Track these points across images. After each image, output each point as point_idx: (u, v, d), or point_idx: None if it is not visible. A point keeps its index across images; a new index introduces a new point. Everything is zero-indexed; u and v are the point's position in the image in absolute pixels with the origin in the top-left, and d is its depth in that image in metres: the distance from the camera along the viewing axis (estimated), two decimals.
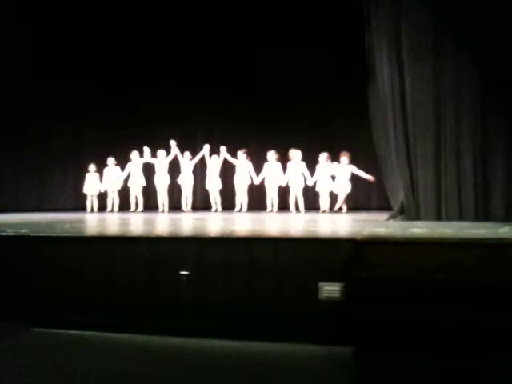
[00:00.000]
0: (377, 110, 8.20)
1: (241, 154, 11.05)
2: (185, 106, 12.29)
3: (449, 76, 7.09)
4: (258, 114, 11.77)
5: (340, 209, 10.38)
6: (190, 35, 11.68)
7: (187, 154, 11.44)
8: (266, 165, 10.90)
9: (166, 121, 12.41)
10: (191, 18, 11.55)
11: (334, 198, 10.50)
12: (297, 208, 10.64)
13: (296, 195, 10.65)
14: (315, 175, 10.50)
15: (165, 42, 11.84)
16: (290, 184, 10.70)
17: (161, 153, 11.44)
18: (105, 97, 12.03)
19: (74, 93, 11.72)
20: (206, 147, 11.33)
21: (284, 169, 10.79)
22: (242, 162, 11.05)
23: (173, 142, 11.32)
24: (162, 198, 11.55)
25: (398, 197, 7.59)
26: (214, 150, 11.41)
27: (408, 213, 7.28)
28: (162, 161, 11.42)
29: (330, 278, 4.83)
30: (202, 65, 11.85)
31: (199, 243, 5.35)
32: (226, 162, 11.34)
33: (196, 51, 11.79)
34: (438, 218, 7.08)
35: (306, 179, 10.54)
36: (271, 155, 10.84)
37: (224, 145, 11.40)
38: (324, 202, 10.50)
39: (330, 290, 4.83)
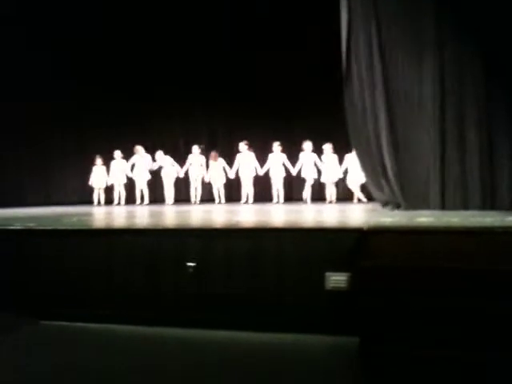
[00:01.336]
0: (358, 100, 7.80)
1: (243, 145, 11.05)
2: (189, 102, 12.33)
3: (450, 64, 7.04)
4: (260, 111, 11.72)
5: (359, 200, 10.39)
6: (194, 34, 11.66)
7: (195, 147, 11.47)
8: (270, 156, 10.90)
9: (171, 115, 12.45)
10: (194, 16, 11.53)
11: (339, 188, 10.56)
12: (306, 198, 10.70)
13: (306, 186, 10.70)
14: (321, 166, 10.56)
15: (172, 40, 11.84)
16: (303, 175, 10.73)
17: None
18: (111, 90, 12.03)
19: (79, 87, 11.74)
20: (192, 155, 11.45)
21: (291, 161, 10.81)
22: (245, 154, 11.05)
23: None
24: (168, 191, 11.58)
25: (388, 187, 7.42)
26: (217, 146, 11.49)
27: (413, 202, 7.22)
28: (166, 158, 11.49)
29: (337, 268, 4.82)
30: (206, 64, 11.86)
31: (205, 235, 5.36)
32: (230, 157, 11.38)
33: (201, 50, 11.78)
34: (444, 207, 7.04)
35: (319, 170, 10.61)
36: (276, 146, 10.84)
37: (227, 141, 11.47)
38: (330, 192, 10.53)
39: (336, 280, 4.82)
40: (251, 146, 11.12)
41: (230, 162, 11.34)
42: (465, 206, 6.94)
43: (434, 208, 7.06)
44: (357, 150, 7.82)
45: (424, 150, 7.18)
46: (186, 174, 11.56)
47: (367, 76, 7.32)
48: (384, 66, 7.23)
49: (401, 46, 7.23)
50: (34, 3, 10.53)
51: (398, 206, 7.21)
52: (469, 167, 6.97)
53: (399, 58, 7.24)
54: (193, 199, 11.53)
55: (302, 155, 10.70)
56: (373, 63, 7.28)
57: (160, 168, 11.61)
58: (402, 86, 7.24)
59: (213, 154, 11.43)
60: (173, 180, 11.62)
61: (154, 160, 11.64)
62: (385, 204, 7.45)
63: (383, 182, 7.33)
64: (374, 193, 7.68)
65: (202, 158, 11.53)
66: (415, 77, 7.21)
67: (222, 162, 11.39)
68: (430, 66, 7.13)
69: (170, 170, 11.54)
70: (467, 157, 6.98)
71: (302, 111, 11.65)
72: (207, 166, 11.49)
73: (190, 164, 11.50)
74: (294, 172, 10.84)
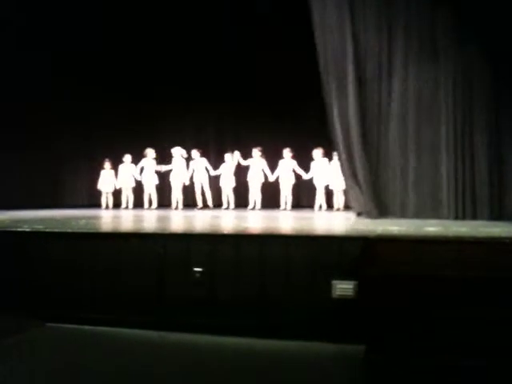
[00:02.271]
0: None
1: (256, 151, 11.02)
2: (198, 105, 12.28)
3: (456, 66, 7.08)
4: (270, 113, 11.70)
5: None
6: (203, 36, 11.64)
7: (195, 152, 11.46)
8: (280, 162, 10.89)
9: (180, 118, 12.45)
10: (203, 16, 11.53)
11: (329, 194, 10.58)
12: (320, 206, 10.65)
13: (317, 193, 10.67)
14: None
15: (182, 43, 11.87)
16: (314, 182, 10.71)
17: (178, 150, 11.47)
18: (121, 93, 12.07)
19: (88, 90, 11.78)
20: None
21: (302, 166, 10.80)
22: (257, 160, 11.02)
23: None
24: (177, 196, 11.58)
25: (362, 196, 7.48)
26: (227, 149, 11.45)
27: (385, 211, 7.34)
28: (178, 158, 11.46)
29: (344, 277, 4.81)
30: (212, 65, 11.86)
31: (211, 240, 5.36)
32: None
33: (210, 52, 11.77)
34: (418, 216, 7.16)
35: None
36: (286, 153, 10.82)
37: (236, 143, 11.43)
38: (338, 199, 10.51)
39: (343, 288, 4.81)
40: (264, 154, 11.08)
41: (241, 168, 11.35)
42: (474, 216, 6.94)
43: (409, 217, 7.16)
44: (338, 158, 7.90)
45: (396, 159, 7.33)
46: (192, 179, 11.53)
47: (341, 87, 7.41)
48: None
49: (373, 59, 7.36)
50: (38, 4, 10.59)
51: (371, 215, 7.26)
52: (478, 176, 6.98)
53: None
54: (199, 204, 11.48)
55: (312, 164, 10.62)
56: (346, 75, 7.38)
57: (169, 171, 11.58)
58: (376, 98, 7.38)
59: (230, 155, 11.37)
60: (181, 184, 11.58)
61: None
62: (359, 213, 7.51)
63: (358, 190, 7.40)
64: (351, 201, 7.76)
65: (205, 161, 11.48)
66: (386, 89, 7.35)
67: (232, 166, 11.32)
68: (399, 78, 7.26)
69: (179, 174, 11.50)
70: (476, 166, 6.99)
71: (313, 114, 11.62)
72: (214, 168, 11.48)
73: (193, 170, 11.47)
74: (306, 176, 10.77)
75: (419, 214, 7.10)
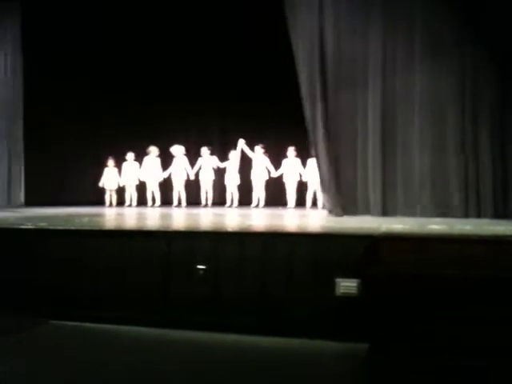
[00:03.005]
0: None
1: (258, 148, 11.01)
2: (201, 103, 12.23)
3: (462, 68, 7.08)
4: (273, 111, 11.68)
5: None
6: (209, 35, 11.60)
7: (204, 149, 11.45)
8: (284, 161, 10.88)
9: (184, 117, 12.43)
10: (203, 16, 11.51)
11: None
12: (314, 204, 10.63)
13: (315, 191, 10.65)
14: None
15: (186, 42, 11.85)
16: (308, 180, 10.72)
17: (179, 148, 11.48)
18: (124, 92, 12.07)
19: (92, 88, 11.79)
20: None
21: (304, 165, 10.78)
22: (260, 157, 11.02)
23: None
24: (179, 193, 11.59)
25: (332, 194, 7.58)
26: (232, 146, 11.42)
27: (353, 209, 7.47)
28: (180, 156, 11.46)
29: (347, 274, 4.81)
30: (216, 64, 11.83)
31: (215, 238, 5.36)
32: (243, 157, 11.32)
33: (215, 51, 11.73)
34: (385, 214, 7.31)
35: None
36: (290, 151, 10.81)
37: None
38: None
39: (346, 286, 4.81)
40: (267, 151, 11.07)
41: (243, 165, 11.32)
42: (478, 214, 6.93)
43: (375, 215, 7.28)
44: (314, 154, 7.96)
45: (365, 158, 7.44)
46: (197, 176, 11.53)
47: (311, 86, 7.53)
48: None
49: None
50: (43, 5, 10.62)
51: (339, 213, 7.38)
52: (482, 175, 6.97)
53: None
54: (203, 202, 11.50)
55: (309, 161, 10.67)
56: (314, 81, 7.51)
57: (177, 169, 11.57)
58: (345, 98, 7.46)
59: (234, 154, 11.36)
60: (183, 182, 11.58)
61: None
62: (330, 210, 7.59)
63: (328, 188, 7.51)
64: (323, 199, 7.86)
65: (213, 160, 11.49)
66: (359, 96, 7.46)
67: (237, 163, 11.31)
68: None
69: (181, 172, 11.50)
70: (480, 164, 6.97)
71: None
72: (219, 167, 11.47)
73: (200, 167, 11.47)
74: (304, 178, 10.81)
75: (425, 214, 7.11)
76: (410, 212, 7.23)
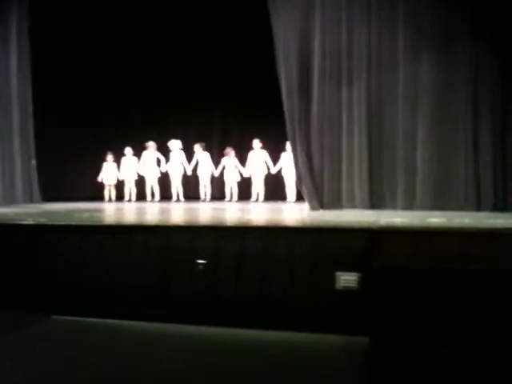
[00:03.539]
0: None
1: (256, 142, 11.02)
2: (202, 99, 12.27)
3: (461, 60, 7.06)
4: (274, 112, 11.65)
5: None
6: (208, 32, 11.62)
7: (197, 146, 11.45)
8: (283, 155, 10.88)
9: (183, 112, 12.44)
10: (204, 16, 11.51)
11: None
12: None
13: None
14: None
15: (187, 39, 11.84)
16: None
17: (175, 143, 11.48)
18: (123, 88, 12.07)
19: (94, 86, 11.78)
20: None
21: None
22: (257, 152, 11.02)
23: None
24: (177, 188, 11.60)
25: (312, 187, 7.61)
26: (232, 145, 11.48)
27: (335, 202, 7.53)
28: (176, 151, 11.46)
29: (347, 268, 4.82)
30: (217, 63, 11.86)
31: (214, 233, 5.37)
32: (242, 153, 11.35)
33: (214, 49, 11.76)
34: (373, 207, 7.36)
35: None
36: (289, 145, 10.80)
37: (240, 142, 11.45)
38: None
39: (347, 279, 4.82)
40: (264, 144, 11.08)
41: (243, 160, 11.33)
42: (477, 207, 6.93)
43: (361, 208, 7.36)
44: (292, 148, 7.97)
45: (351, 152, 7.51)
46: (195, 171, 11.54)
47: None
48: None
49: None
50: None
51: (315, 207, 7.44)
52: (482, 168, 6.97)
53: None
54: (202, 197, 11.52)
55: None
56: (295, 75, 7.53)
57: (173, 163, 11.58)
58: (329, 91, 7.51)
59: (227, 150, 11.38)
60: (180, 176, 11.58)
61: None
62: (311, 203, 7.59)
63: (309, 181, 7.52)
64: (303, 192, 7.84)
65: (207, 156, 11.51)
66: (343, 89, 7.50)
67: (235, 159, 11.33)
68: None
69: (178, 167, 11.50)
70: (480, 158, 6.98)
71: None
72: (216, 163, 11.50)
73: (197, 162, 11.49)
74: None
75: (424, 206, 7.13)
76: (396, 205, 7.27)
